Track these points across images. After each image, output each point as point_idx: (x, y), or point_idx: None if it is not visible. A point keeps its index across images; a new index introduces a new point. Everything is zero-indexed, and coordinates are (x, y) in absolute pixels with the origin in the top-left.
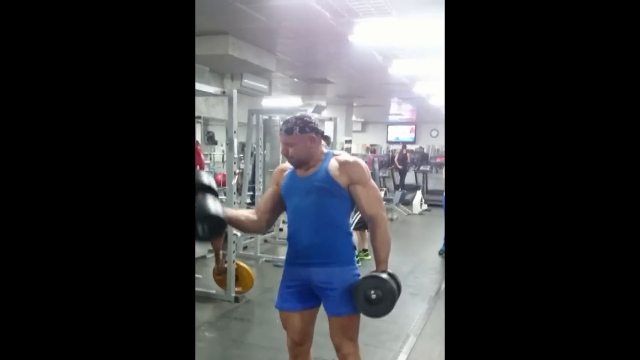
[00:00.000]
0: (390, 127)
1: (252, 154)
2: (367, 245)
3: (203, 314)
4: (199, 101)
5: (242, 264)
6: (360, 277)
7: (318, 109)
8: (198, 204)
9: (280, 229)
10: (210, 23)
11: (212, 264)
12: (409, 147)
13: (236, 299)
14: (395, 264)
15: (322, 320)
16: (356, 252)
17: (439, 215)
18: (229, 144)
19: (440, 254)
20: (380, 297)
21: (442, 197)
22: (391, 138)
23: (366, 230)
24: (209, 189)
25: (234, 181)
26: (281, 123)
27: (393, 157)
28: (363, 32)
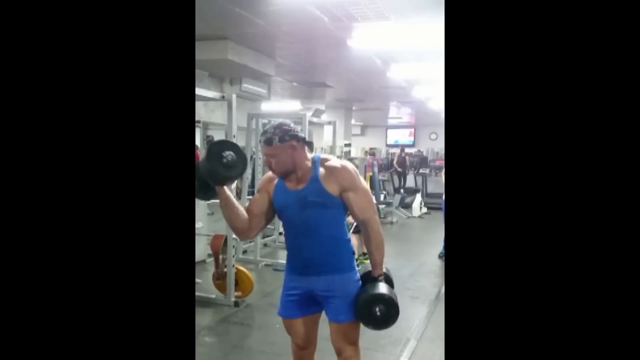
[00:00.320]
0: (389, 131)
1: (251, 158)
2: None
3: (203, 318)
4: (198, 105)
5: (241, 268)
6: (360, 284)
7: (317, 113)
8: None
9: (280, 233)
10: (210, 28)
11: (211, 269)
12: (407, 150)
13: (236, 304)
14: (395, 267)
15: (323, 325)
16: (356, 257)
17: (439, 218)
18: None
19: (440, 257)
20: (385, 312)
21: (442, 200)
22: (390, 141)
23: None
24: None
25: (234, 185)
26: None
27: (392, 161)
28: (362, 37)
